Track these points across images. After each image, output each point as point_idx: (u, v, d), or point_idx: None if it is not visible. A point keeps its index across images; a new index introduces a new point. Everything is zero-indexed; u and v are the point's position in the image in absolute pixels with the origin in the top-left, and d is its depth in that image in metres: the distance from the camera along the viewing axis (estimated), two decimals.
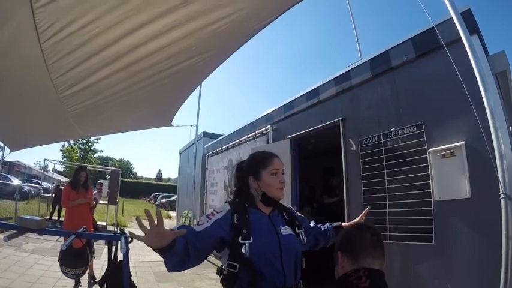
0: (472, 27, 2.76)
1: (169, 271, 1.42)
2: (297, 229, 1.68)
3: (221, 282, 1.55)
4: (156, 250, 1.27)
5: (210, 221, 1.52)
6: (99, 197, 11.75)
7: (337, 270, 1.31)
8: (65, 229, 4.38)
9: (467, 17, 2.75)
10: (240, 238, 1.47)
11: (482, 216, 2.64)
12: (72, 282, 4.12)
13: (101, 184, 12.94)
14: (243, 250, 1.44)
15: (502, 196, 2.25)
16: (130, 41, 2.14)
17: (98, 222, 11.85)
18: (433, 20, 2.91)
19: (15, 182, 18.56)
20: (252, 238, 1.48)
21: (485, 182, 2.57)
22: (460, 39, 2.50)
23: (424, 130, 3.13)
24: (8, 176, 20.81)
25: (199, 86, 6.32)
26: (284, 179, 1.69)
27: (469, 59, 2.43)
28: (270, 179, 1.66)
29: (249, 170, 1.74)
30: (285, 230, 1.63)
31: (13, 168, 32.63)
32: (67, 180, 4.78)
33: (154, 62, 2.46)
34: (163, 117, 4.27)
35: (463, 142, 2.80)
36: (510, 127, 2.75)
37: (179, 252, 1.31)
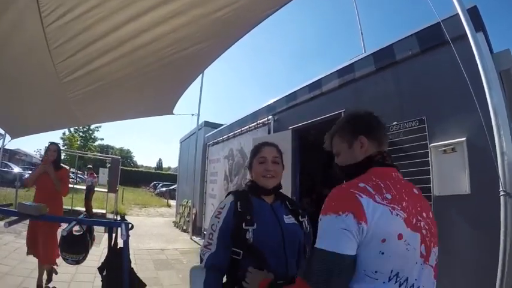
0: (478, 24, 2.74)
1: None
2: (300, 217, 1.68)
3: None
4: None
5: (219, 220, 1.55)
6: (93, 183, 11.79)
7: (357, 152, 1.30)
8: None
9: (473, 14, 2.73)
10: (243, 224, 1.48)
11: (481, 213, 2.66)
12: (71, 268, 4.12)
13: (91, 168, 12.80)
14: (247, 236, 1.46)
15: (501, 193, 2.26)
16: (133, 27, 2.12)
17: (98, 210, 11.97)
18: (439, 15, 2.89)
19: (16, 169, 18.48)
20: (255, 224, 1.49)
21: (486, 178, 2.58)
22: (465, 35, 2.49)
23: (426, 125, 3.13)
24: (9, 163, 20.80)
25: (201, 75, 6.30)
26: (273, 167, 1.68)
27: (473, 55, 2.43)
28: (257, 167, 1.70)
29: (249, 160, 1.79)
30: (289, 219, 1.63)
31: (14, 156, 32.61)
32: (66, 167, 4.54)
33: (157, 48, 2.44)
34: (164, 105, 4.26)
35: (465, 138, 2.80)
36: None
37: None
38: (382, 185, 1.12)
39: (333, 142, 1.44)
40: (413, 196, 1.21)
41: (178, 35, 2.32)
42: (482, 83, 2.42)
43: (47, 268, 4.03)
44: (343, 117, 1.47)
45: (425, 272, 1.11)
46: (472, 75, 2.53)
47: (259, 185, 1.67)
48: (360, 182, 1.12)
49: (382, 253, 1.02)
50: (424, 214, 1.18)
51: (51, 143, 4.30)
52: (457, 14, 2.62)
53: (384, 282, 1.03)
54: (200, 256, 1.55)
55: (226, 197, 1.69)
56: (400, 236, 1.03)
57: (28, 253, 3.96)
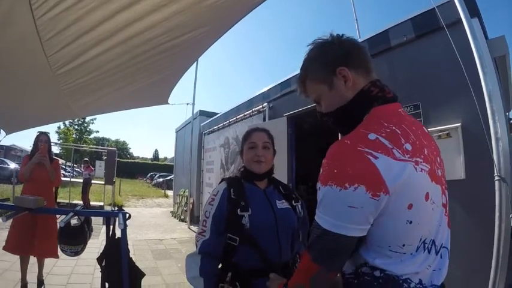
0: (473, 10, 2.74)
1: None
2: (293, 202, 1.69)
3: None
4: None
5: (213, 207, 1.57)
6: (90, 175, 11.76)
7: (343, 90, 0.99)
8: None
9: (469, 0, 2.71)
10: (238, 210, 1.49)
11: (476, 198, 2.68)
12: (71, 261, 4.10)
13: (87, 161, 12.76)
14: (243, 221, 1.47)
15: (496, 178, 2.28)
16: (127, 15, 2.08)
17: (95, 203, 11.97)
18: (434, 1, 2.88)
19: (12, 165, 18.26)
20: (250, 210, 1.50)
21: (480, 164, 2.60)
22: (460, 21, 2.48)
23: (421, 110, 3.15)
24: (5, 160, 20.66)
25: (195, 64, 6.25)
26: (263, 153, 1.68)
27: (468, 41, 2.42)
28: (247, 153, 1.71)
29: (240, 146, 1.82)
30: (281, 204, 1.65)
31: (9, 152, 32.30)
32: (57, 158, 4.24)
33: (151, 36, 2.41)
34: (159, 95, 4.23)
35: (460, 124, 2.82)
36: (507, 113, 2.76)
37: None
38: (398, 131, 0.86)
39: (307, 88, 1.11)
40: (428, 138, 0.97)
41: (171, 23, 2.29)
42: (477, 69, 2.42)
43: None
44: (308, 52, 1.09)
45: (443, 224, 0.94)
46: (467, 61, 2.53)
47: (251, 171, 1.68)
48: (369, 132, 0.85)
49: (410, 222, 0.83)
50: (439, 159, 0.97)
51: (41, 133, 4.11)
52: (452, 0, 2.60)
53: (411, 254, 0.85)
54: (196, 243, 1.59)
55: (219, 183, 1.71)
56: (427, 196, 0.84)
57: (15, 252, 3.70)
